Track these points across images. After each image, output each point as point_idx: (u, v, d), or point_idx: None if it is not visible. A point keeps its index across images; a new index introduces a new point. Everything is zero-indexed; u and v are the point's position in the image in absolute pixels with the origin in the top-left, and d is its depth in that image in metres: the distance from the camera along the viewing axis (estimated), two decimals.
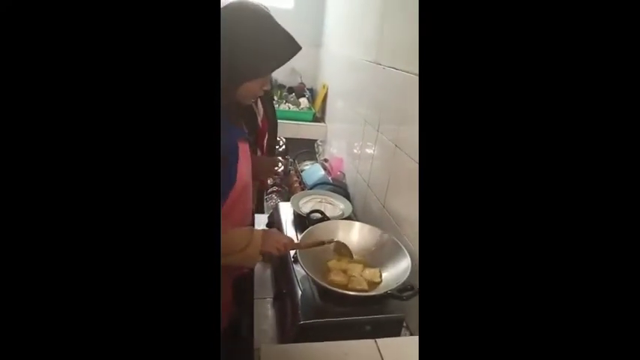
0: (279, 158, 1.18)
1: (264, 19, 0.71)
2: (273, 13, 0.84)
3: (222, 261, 0.73)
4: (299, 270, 0.94)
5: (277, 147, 2.46)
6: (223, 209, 0.76)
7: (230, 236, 0.75)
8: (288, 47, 0.74)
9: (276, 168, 1.12)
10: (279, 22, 0.77)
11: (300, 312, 0.84)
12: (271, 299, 1.01)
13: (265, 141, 1.29)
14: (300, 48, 0.75)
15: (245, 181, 0.80)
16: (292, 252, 0.97)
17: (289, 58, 0.75)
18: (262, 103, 1.23)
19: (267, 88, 0.78)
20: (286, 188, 1.96)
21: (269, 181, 1.93)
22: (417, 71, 1.00)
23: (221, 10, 0.72)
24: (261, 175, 1.10)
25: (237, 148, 0.76)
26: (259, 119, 1.19)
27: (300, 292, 0.91)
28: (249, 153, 0.83)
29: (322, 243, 0.92)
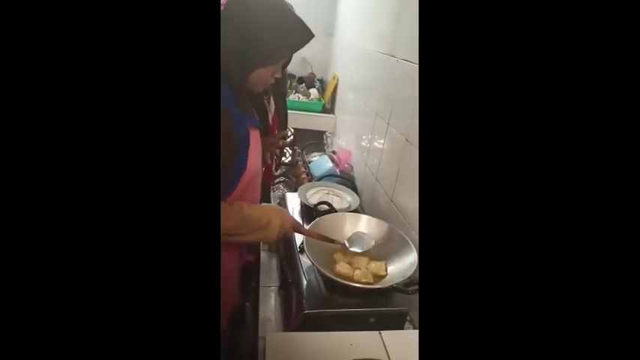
0: (284, 133, 1.18)
1: (276, 5, 0.71)
2: (286, 0, 0.83)
3: (243, 238, 0.75)
4: (305, 260, 0.95)
5: (286, 139, 2.46)
6: (233, 195, 0.77)
7: (251, 213, 0.76)
8: (301, 34, 0.73)
9: (281, 141, 1.11)
10: (292, 9, 0.76)
11: (305, 301, 0.85)
12: (277, 288, 1.01)
13: (278, 137, 1.28)
14: (312, 36, 0.74)
15: (255, 169, 0.81)
16: (298, 242, 0.98)
17: (301, 46, 0.75)
18: (275, 100, 1.22)
19: (278, 75, 0.78)
20: (293, 179, 1.96)
21: (276, 172, 1.93)
22: None
23: None
24: (266, 149, 1.09)
25: (248, 134, 0.76)
26: (270, 116, 1.18)
27: (305, 282, 0.92)
28: (259, 140, 0.84)
29: (332, 241, 0.92)
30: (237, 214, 0.73)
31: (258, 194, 0.91)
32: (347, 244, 0.93)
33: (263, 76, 0.74)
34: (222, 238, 0.72)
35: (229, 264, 0.89)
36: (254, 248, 1.09)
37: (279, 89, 1.25)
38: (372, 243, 0.93)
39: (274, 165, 1.39)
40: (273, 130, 1.26)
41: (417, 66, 1.09)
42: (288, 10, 0.72)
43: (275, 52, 0.72)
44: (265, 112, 1.11)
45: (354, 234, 0.97)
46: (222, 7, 0.71)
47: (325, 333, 0.70)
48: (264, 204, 0.85)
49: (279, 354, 0.63)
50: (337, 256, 0.94)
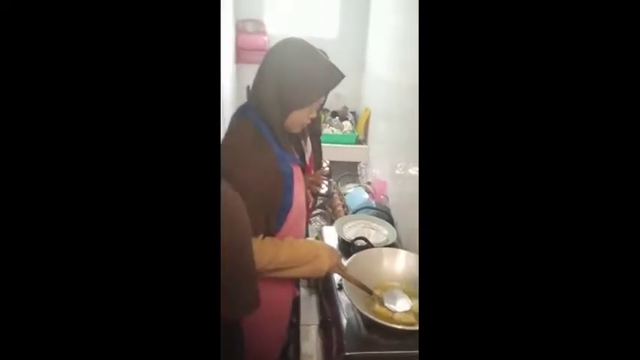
0: (325, 171, 1.21)
1: (307, 52, 0.76)
2: (318, 44, 0.88)
3: (290, 273, 0.77)
4: (344, 297, 0.94)
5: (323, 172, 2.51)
6: (281, 232, 0.80)
7: (297, 247, 0.79)
8: (332, 77, 0.78)
9: (322, 177, 1.14)
10: (325, 51, 0.80)
11: (344, 342, 0.84)
12: (316, 326, 1.01)
13: (318, 176, 1.32)
14: (343, 76, 0.79)
15: (300, 205, 0.84)
16: (337, 279, 0.98)
17: (333, 87, 0.79)
18: (311, 140, 1.28)
19: (313, 116, 0.82)
20: (329, 210, 1.97)
21: (313, 202, 1.97)
22: None
23: (271, 48, 0.78)
24: (306, 186, 1.13)
25: (292, 172, 0.80)
26: (307, 156, 1.23)
27: (345, 321, 0.91)
28: (302, 177, 0.87)
29: (370, 292, 0.90)
30: (287, 247, 0.76)
31: (303, 229, 0.94)
32: (384, 299, 0.91)
33: (299, 117, 0.79)
34: (274, 273, 0.75)
35: (283, 299, 0.91)
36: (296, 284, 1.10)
37: (315, 129, 1.31)
38: (409, 306, 0.89)
39: (312, 201, 1.42)
40: (310, 169, 1.30)
41: None
42: (320, 57, 0.77)
43: (309, 95, 0.77)
44: (302, 152, 1.16)
45: (394, 290, 0.93)
46: (261, 61, 0.78)
47: None
48: (311, 239, 0.87)
49: None
50: (377, 295, 0.93)
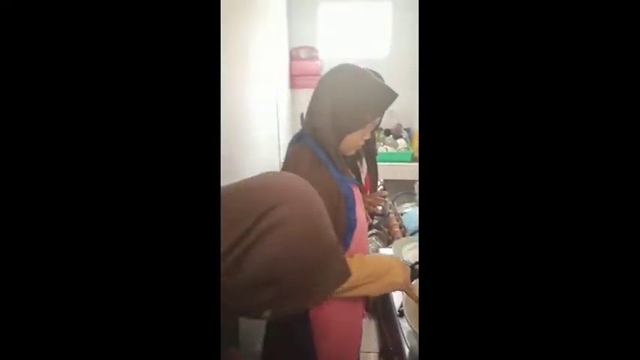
0: (384, 193, 1.19)
1: (360, 76, 0.77)
2: (370, 64, 0.88)
3: (366, 289, 0.76)
4: (405, 325, 0.90)
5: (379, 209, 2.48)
6: (348, 253, 0.80)
7: (368, 262, 0.78)
8: (384, 97, 0.78)
9: (379, 198, 1.12)
10: (379, 74, 0.80)
11: None
12: (377, 354, 0.97)
13: (377, 196, 1.31)
14: (395, 96, 0.78)
15: (363, 224, 0.84)
16: (397, 304, 0.93)
17: (385, 108, 0.79)
18: (366, 160, 1.27)
19: (367, 137, 0.82)
20: (385, 230, 1.92)
21: (370, 222, 1.94)
22: None
23: (324, 74, 0.80)
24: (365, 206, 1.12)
25: (352, 192, 0.80)
26: (363, 177, 1.22)
27: (407, 350, 0.86)
28: (361, 197, 0.87)
29: None
30: (358, 263, 0.76)
31: (367, 249, 0.93)
32: None
33: (354, 140, 0.79)
34: (348, 292, 0.75)
35: (355, 320, 0.90)
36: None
37: (370, 149, 1.30)
38: None
39: (370, 221, 1.40)
40: (366, 189, 1.29)
41: None
42: (372, 79, 0.77)
43: (362, 118, 0.77)
44: (358, 173, 1.16)
45: None
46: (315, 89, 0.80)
47: None
48: (381, 254, 0.85)
49: None
50: None
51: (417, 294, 0.84)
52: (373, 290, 0.77)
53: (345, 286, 0.74)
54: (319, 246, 0.42)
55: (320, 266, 0.42)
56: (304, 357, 0.79)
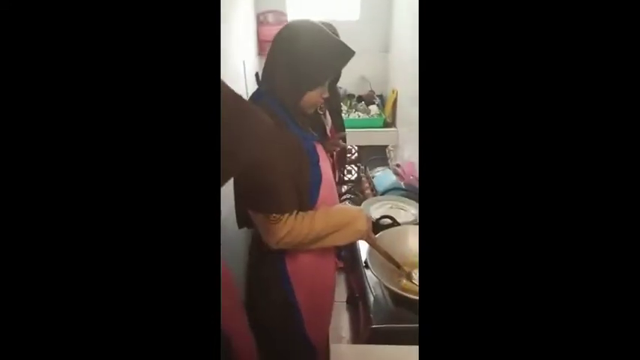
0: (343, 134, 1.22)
1: (315, 33, 0.77)
2: (339, 26, 0.87)
3: (332, 240, 0.80)
4: (370, 275, 0.96)
5: (349, 155, 2.52)
6: (317, 205, 0.83)
7: (332, 213, 0.81)
8: (341, 55, 0.78)
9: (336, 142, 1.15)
10: (335, 29, 0.80)
11: (372, 316, 0.85)
12: (344, 303, 1.04)
13: (336, 137, 1.34)
14: (353, 53, 0.78)
15: (329, 178, 0.87)
16: (363, 257, 0.99)
17: (342, 66, 0.80)
18: (330, 115, 1.29)
19: (325, 95, 0.83)
20: (360, 195, 1.98)
21: (341, 177, 1.99)
22: None
23: (278, 31, 0.80)
24: (327, 150, 1.15)
25: (315, 148, 0.82)
26: (328, 129, 1.24)
27: (372, 297, 0.92)
28: (324, 152, 0.90)
29: (398, 266, 0.91)
30: (322, 215, 0.79)
31: (337, 200, 0.96)
32: (412, 274, 0.91)
33: (313, 98, 0.80)
34: (316, 244, 0.79)
35: (328, 271, 0.94)
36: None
37: (333, 106, 1.32)
38: None
39: (338, 171, 1.44)
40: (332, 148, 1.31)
41: None
42: (328, 36, 0.77)
43: (321, 75, 0.78)
44: (323, 126, 1.18)
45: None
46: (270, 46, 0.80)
47: (390, 346, 0.70)
48: (345, 205, 0.89)
49: None
50: (402, 270, 0.93)
51: (378, 243, 0.90)
52: (340, 239, 0.80)
53: (312, 237, 0.79)
54: None
55: None
56: (286, 309, 0.83)
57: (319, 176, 0.82)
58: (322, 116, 1.17)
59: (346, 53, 0.78)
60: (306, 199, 0.80)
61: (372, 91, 2.42)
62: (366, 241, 0.87)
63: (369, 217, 0.85)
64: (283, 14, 2.28)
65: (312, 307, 0.88)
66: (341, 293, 1.07)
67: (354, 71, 2.47)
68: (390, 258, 0.90)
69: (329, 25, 0.85)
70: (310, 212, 0.79)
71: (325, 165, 0.85)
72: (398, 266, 0.91)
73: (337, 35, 0.83)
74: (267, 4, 2.27)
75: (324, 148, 0.94)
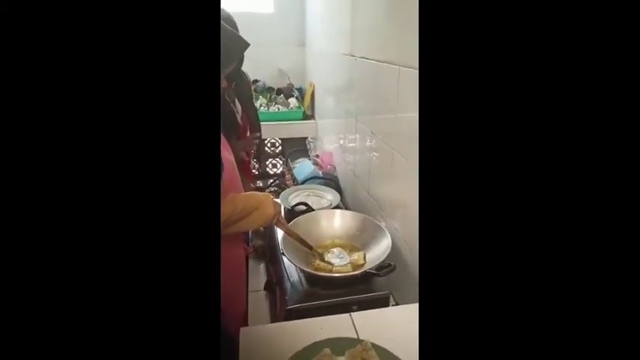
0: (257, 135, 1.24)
1: None
2: (253, 18, 0.88)
3: (240, 226, 0.80)
4: (287, 261, 0.99)
5: (274, 149, 2.53)
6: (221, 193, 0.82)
7: (239, 199, 0.81)
8: (235, 47, 0.79)
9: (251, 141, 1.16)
10: (234, 21, 0.81)
11: (287, 298, 0.88)
12: (263, 290, 1.05)
13: (250, 138, 1.34)
14: (247, 45, 0.80)
15: (231, 166, 0.86)
16: (280, 246, 1.02)
17: (238, 56, 0.81)
18: (240, 102, 1.29)
19: (223, 85, 0.83)
20: (284, 187, 2.00)
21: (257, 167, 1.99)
22: (386, 58, 1.03)
23: None
24: (242, 149, 1.15)
25: None
26: (239, 117, 1.24)
27: (289, 281, 0.96)
28: (226, 141, 0.89)
29: (310, 247, 0.95)
30: (228, 202, 0.79)
31: (241, 188, 0.97)
32: (324, 255, 0.96)
33: None
34: (227, 230, 0.78)
35: (238, 258, 0.94)
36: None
37: (243, 93, 1.32)
38: (347, 260, 0.95)
39: (254, 165, 1.45)
40: (245, 129, 1.32)
41: (373, 62, 1.13)
42: (222, 27, 0.77)
43: None
44: (232, 113, 1.18)
45: (333, 248, 0.99)
46: None
47: (295, 321, 0.73)
48: (252, 192, 0.90)
49: (249, 345, 0.68)
50: (316, 252, 0.98)
51: (289, 227, 0.93)
52: (248, 225, 0.82)
53: (222, 221, 0.78)
54: None
55: None
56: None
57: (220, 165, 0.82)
58: (231, 104, 1.17)
59: (240, 44, 0.79)
60: None
61: (290, 84, 2.45)
62: (277, 225, 0.90)
63: (276, 202, 0.88)
64: None
65: (224, 294, 0.88)
66: (261, 283, 1.09)
67: (272, 64, 2.48)
68: (302, 241, 0.94)
69: (227, 17, 0.85)
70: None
71: (225, 152, 0.85)
72: (310, 248, 0.95)
73: (235, 26, 0.84)
74: None
75: (239, 148, 0.94)
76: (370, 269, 0.86)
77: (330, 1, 1.73)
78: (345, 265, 0.93)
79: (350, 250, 1.00)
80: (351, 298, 0.88)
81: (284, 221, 0.91)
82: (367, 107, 1.23)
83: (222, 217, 0.77)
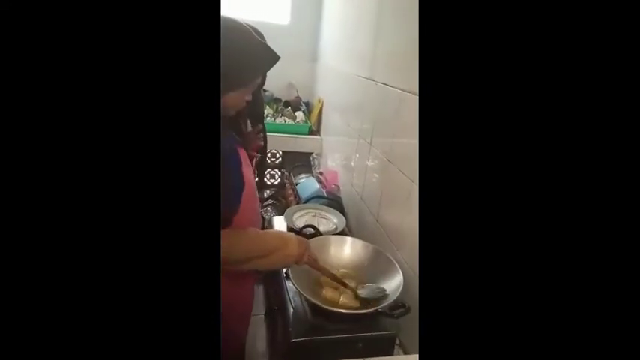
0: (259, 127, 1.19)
1: (240, 33, 0.74)
2: (269, 29, 0.85)
3: (259, 263, 0.75)
4: (290, 286, 0.94)
5: (274, 160, 2.48)
6: (239, 214, 0.77)
7: (262, 236, 0.77)
8: (265, 58, 0.76)
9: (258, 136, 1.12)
10: (261, 33, 0.78)
11: (291, 329, 0.83)
12: (262, 316, 0.99)
13: (255, 157, 1.29)
14: (277, 58, 0.77)
15: (251, 184, 0.82)
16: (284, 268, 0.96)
17: (266, 69, 0.78)
18: (251, 122, 1.25)
19: (248, 98, 0.80)
20: (283, 201, 1.95)
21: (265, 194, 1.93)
22: (410, 88, 1.02)
23: None
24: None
25: (236, 152, 0.77)
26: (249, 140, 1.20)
27: (291, 309, 0.90)
28: (247, 157, 0.85)
29: (344, 284, 0.89)
30: (252, 236, 0.75)
31: (259, 212, 0.91)
32: (359, 292, 0.89)
33: (233, 99, 0.76)
34: (243, 265, 0.73)
35: (247, 287, 0.88)
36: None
37: (256, 112, 1.28)
38: (383, 293, 0.88)
39: (258, 176, 1.40)
40: (254, 151, 1.27)
41: (395, 90, 1.12)
42: (253, 37, 0.74)
43: (242, 76, 0.74)
44: (242, 135, 1.13)
45: (371, 286, 0.91)
46: None
47: None
48: (277, 230, 0.85)
49: None
50: (324, 280, 0.93)
51: (319, 264, 0.86)
52: (267, 264, 0.77)
53: (237, 257, 0.73)
54: None
55: None
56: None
57: (241, 182, 0.77)
58: (242, 124, 1.12)
59: (271, 57, 0.75)
60: (226, 208, 0.74)
61: (298, 96, 2.42)
62: (308, 264, 0.84)
63: (302, 241, 0.82)
64: None
65: (226, 320, 0.82)
66: (258, 305, 1.03)
67: (282, 77, 2.45)
68: (335, 277, 0.89)
69: (255, 29, 0.83)
70: (239, 231, 0.74)
71: (247, 171, 0.80)
72: (344, 285, 0.89)
73: (263, 39, 0.81)
74: None
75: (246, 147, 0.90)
76: (382, 308, 0.81)
77: (350, 21, 1.73)
78: (353, 297, 0.89)
79: (357, 282, 0.95)
80: (358, 335, 0.84)
81: (313, 257, 0.85)
82: (384, 132, 1.21)
83: (240, 252, 0.72)
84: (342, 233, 1.21)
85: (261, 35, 0.83)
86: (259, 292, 1.09)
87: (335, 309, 0.81)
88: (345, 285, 0.90)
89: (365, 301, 0.87)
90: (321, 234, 1.11)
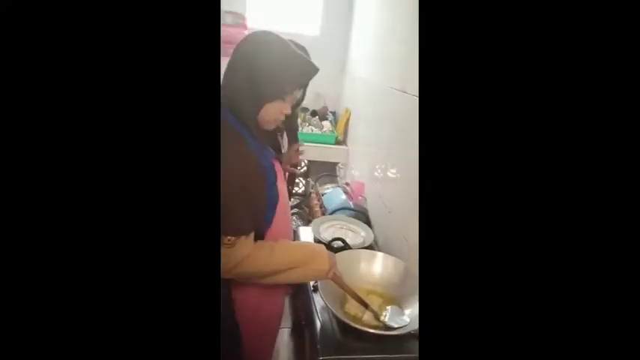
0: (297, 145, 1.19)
1: (280, 44, 0.74)
2: (300, 40, 0.86)
3: (290, 275, 0.75)
4: (318, 299, 0.92)
5: (299, 168, 2.48)
6: (272, 227, 0.77)
7: (293, 247, 0.77)
8: (305, 70, 0.75)
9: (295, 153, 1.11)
10: (303, 47, 0.79)
11: (319, 346, 0.81)
12: (289, 329, 0.98)
13: (287, 173, 1.29)
14: (317, 70, 0.76)
15: (285, 198, 0.82)
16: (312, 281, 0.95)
17: (306, 81, 0.78)
18: (288, 137, 1.25)
19: (287, 112, 0.79)
20: (306, 210, 1.95)
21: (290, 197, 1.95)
22: None
23: (242, 39, 0.75)
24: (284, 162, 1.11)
25: (273, 166, 0.77)
26: (283, 151, 1.20)
27: (319, 325, 0.88)
28: (282, 171, 0.85)
29: (366, 306, 0.87)
30: (282, 248, 0.74)
31: (291, 224, 0.91)
32: (383, 318, 0.86)
33: (272, 112, 0.76)
34: (273, 278, 0.73)
35: (278, 300, 0.88)
36: None
37: (291, 126, 1.28)
38: (407, 321, 0.85)
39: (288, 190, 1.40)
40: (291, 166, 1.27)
41: None
42: (292, 49, 0.75)
43: (281, 88, 0.74)
44: (279, 148, 1.14)
45: (393, 308, 0.89)
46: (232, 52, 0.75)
47: None
48: (308, 242, 0.84)
49: None
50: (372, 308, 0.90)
51: (344, 282, 0.84)
52: (296, 277, 0.76)
53: (268, 270, 0.73)
54: None
55: None
56: (228, 336, 0.76)
57: (276, 196, 0.77)
58: (279, 137, 1.13)
59: (310, 68, 0.75)
60: (261, 220, 0.74)
61: (325, 106, 2.43)
62: (332, 280, 0.82)
63: (332, 256, 0.81)
64: (242, 17, 2.21)
65: (255, 335, 0.82)
66: (283, 318, 1.02)
67: (310, 87, 2.45)
68: (358, 298, 0.87)
69: (297, 44, 0.83)
70: (269, 242, 0.74)
71: (282, 185, 0.81)
72: (366, 306, 0.87)
73: (307, 53, 0.81)
74: (226, 5, 2.18)
75: (285, 162, 0.90)
76: (414, 331, 0.78)
77: (382, 33, 1.72)
78: (374, 314, 0.86)
79: (384, 300, 0.93)
80: (384, 356, 0.81)
81: (339, 274, 0.83)
82: (414, 144, 1.18)
83: (271, 265, 0.72)
84: (370, 247, 1.18)
85: (303, 49, 0.84)
86: (285, 304, 1.08)
87: (364, 328, 0.79)
88: (366, 307, 0.87)
89: (386, 325, 0.84)
90: (350, 247, 1.10)
